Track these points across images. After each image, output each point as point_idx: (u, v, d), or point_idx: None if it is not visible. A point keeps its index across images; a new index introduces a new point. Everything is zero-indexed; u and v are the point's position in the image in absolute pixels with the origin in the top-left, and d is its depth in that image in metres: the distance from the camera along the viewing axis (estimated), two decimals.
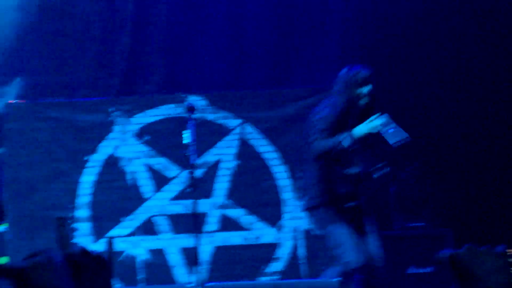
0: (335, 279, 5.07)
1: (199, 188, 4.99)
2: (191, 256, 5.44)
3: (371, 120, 4.05)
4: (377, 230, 4.97)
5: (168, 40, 7.18)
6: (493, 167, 6.94)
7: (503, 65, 6.99)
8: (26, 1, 7.20)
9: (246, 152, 6.32)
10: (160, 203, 6.23)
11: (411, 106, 6.67)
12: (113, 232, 6.07)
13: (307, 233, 6.14)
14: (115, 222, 6.13)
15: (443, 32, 7.16)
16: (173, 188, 6.23)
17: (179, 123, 5.59)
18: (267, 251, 6.16)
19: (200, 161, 5.76)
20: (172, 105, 6.32)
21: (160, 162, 6.28)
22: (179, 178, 6.15)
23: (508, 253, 2.40)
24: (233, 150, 6.31)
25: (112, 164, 6.26)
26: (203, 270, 5.73)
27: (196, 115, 5.30)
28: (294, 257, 6.19)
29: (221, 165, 6.28)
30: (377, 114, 4.48)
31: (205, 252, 6.00)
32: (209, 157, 6.20)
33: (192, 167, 4.97)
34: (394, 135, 4.37)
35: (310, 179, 4.70)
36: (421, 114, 6.62)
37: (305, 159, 6.09)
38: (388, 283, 5.19)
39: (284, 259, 6.19)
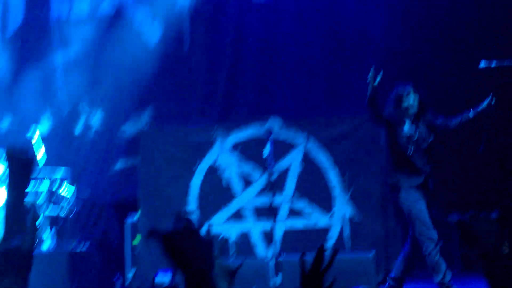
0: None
1: (274, 187, 6.29)
2: (268, 237, 6.85)
3: None
4: None
5: (254, 77, 8.36)
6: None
7: None
8: (156, 50, 8.66)
9: (307, 160, 7.17)
10: (246, 199, 7.17)
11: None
12: (213, 220, 7.12)
13: (351, 220, 6.99)
14: (214, 213, 7.17)
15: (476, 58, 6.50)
16: (256, 188, 7.19)
17: (261, 140, 6.55)
18: (322, 233, 6.98)
19: (275, 168, 6.50)
20: (257, 128, 7.15)
21: (247, 169, 7.22)
22: (260, 181, 7.13)
23: (501, 218, 2.40)
24: (299, 159, 7.18)
25: (212, 171, 7.24)
26: (276, 247, 6.36)
27: (272, 136, 6.34)
28: (340, 236, 6.96)
29: (290, 171, 7.14)
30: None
31: (278, 234, 6.72)
32: (282, 164, 7.06)
33: (269, 173, 6.25)
34: None
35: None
36: None
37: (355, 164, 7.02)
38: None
39: (334, 238, 7.00)
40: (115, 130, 8.52)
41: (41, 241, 7.04)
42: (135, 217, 7.39)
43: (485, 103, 5.47)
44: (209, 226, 6.86)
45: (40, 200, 7.29)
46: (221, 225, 7.05)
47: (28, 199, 3.85)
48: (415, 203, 5.48)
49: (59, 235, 7.61)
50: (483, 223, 2.34)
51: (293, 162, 7.18)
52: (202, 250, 2.27)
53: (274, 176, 6.37)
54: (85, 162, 8.51)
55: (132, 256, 7.43)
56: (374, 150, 6.84)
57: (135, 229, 7.38)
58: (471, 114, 5.53)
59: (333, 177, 7.06)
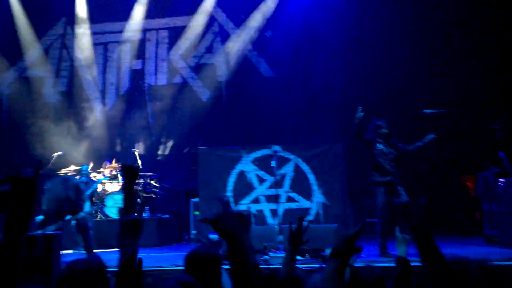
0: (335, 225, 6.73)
1: (277, 184, 7.85)
2: (274, 213, 8.10)
3: None
4: None
5: (264, 121, 10.31)
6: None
7: None
8: (206, 103, 9.96)
9: (297, 169, 8.31)
10: (261, 191, 8.31)
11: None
12: (241, 202, 8.31)
13: (323, 204, 8.02)
14: (242, 198, 8.37)
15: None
16: (267, 184, 8.28)
17: (269, 157, 7.92)
18: (306, 212, 8.06)
19: (278, 173, 7.70)
20: (267, 150, 8.27)
21: (261, 174, 8.35)
22: (269, 180, 8.21)
23: (426, 204, 2.47)
24: (291, 168, 8.30)
25: (240, 174, 8.45)
26: (279, 218, 7.60)
27: (276, 154, 7.88)
28: (317, 214, 8.04)
29: (287, 175, 8.29)
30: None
31: (280, 211, 7.87)
32: (282, 171, 8.17)
33: (275, 175, 7.76)
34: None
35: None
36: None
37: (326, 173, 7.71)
38: None
39: (313, 215, 8.08)
40: (182, 149, 10.36)
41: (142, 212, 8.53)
42: (195, 199, 8.91)
43: (430, 137, 6.25)
44: (248, 207, 8.05)
45: (141, 188, 9.18)
46: (246, 205, 8.33)
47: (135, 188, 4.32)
48: (382, 195, 6.36)
49: (152, 209, 9.40)
50: (414, 207, 2.43)
51: (288, 170, 8.33)
52: (241, 219, 2.58)
53: (277, 178, 7.90)
54: (165, 168, 10.40)
55: (194, 222, 9.01)
56: (336, 164, 8.34)
57: (196, 206, 8.91)
58: (421, 143, 6.30)
59: (312, 180, 8.31)
